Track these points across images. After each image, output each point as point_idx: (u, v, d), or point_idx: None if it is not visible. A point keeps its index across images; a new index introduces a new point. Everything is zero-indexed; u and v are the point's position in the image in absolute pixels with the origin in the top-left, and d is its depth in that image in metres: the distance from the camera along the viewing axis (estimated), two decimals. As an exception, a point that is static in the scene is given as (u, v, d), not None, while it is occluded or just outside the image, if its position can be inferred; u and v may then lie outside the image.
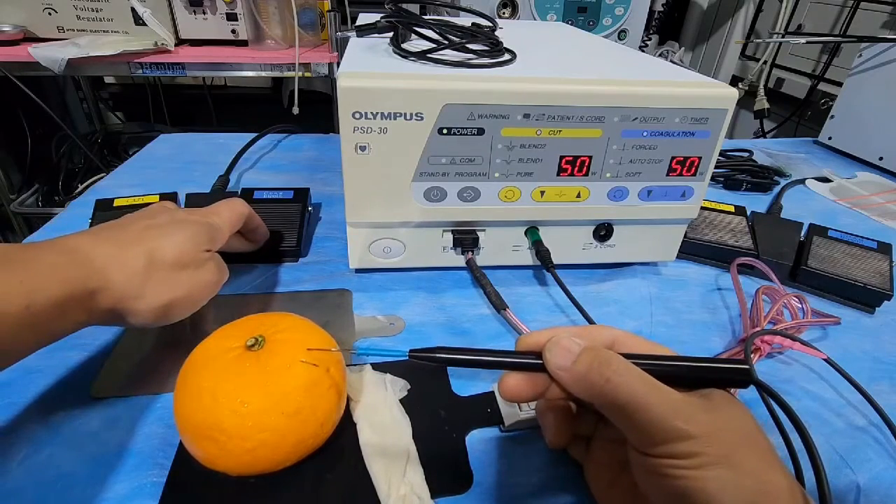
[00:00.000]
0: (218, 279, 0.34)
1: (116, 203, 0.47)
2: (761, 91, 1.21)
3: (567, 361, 0.23)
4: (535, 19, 1.09)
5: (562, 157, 0.37)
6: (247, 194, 0.48)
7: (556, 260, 0.41)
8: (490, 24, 0.46)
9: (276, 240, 0.45)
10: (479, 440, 0.31)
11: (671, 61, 1.34)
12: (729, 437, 0.20)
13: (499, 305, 0.40)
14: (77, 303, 0.26)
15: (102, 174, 1.12)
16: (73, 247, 0.27)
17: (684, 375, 0.23)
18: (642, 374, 0.22)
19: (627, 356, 0.23)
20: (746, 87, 1.25)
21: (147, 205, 0.47)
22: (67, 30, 1.02)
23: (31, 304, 0.23)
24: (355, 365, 0.34)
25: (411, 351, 0.24)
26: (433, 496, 0.27)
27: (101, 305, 0.27)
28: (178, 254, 0.30)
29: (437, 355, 0.24)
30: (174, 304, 0.30)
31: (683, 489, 0.20)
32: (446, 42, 0.40)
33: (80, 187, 1.25)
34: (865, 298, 0.45)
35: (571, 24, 0.74)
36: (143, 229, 0.31)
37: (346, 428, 0.29)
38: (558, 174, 0.38)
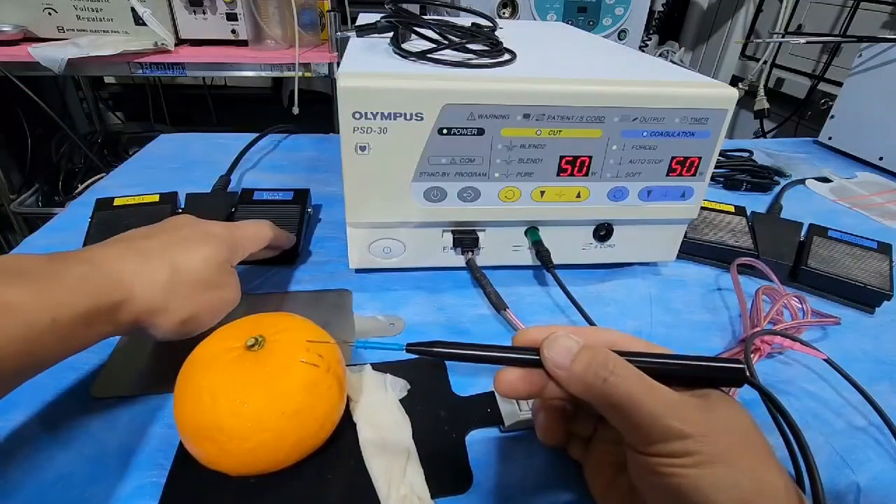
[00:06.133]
0: (236, 296, 0.34)
1: (116, 202, 0.47)
2: (761, 91, 1.21)
3: (565, 360, 0.23)
4: (535, 19, 1.08)
5: (562, 157, 0.37)
6: (247, 195, 0.48)
7: (556, 260, 0.41)
8: (490, 24, 0.46)
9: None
10: (479, 440, 0.31)
11: (671, 61, 1.34)
12: (725, 436, 0.21)
13: (499, 305, 0.40)
14: (102, 315, 0.26)
15: (102, 174, 1.12)
16: (99, 259, 0.27)
17: (680, 374, 0.24)
18: (639, 374, 0.22)
19: (623, 353, 0.23)
20: (746, 87, 1.24)
21: (148, 204, 0.47)
22: (67, 30, 1.02)
23: (58, 316, 0.24)
24: (355, 365, 0.34)
25: (408, 344, 0.24)
26: (433, 496, 0.27)
27: (125, 318, 0.27)
28: (201, 269, 0.31)
29: (434, 349, 0.24)
30: (195, 319, 0.31)
31: (678, 487, 0.20)
32: (446, 42, 0.40)
33: (80, 187, 1.25)
34: (865, 298, 0.45)
35: (571, 24, 0.74)
36: (168, 242, 0.31)
37: (346, 428, 0.29)
38: (558, 174, 0.38)
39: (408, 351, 0.24)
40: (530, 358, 0.25)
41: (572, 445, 0.28)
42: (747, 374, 0.24)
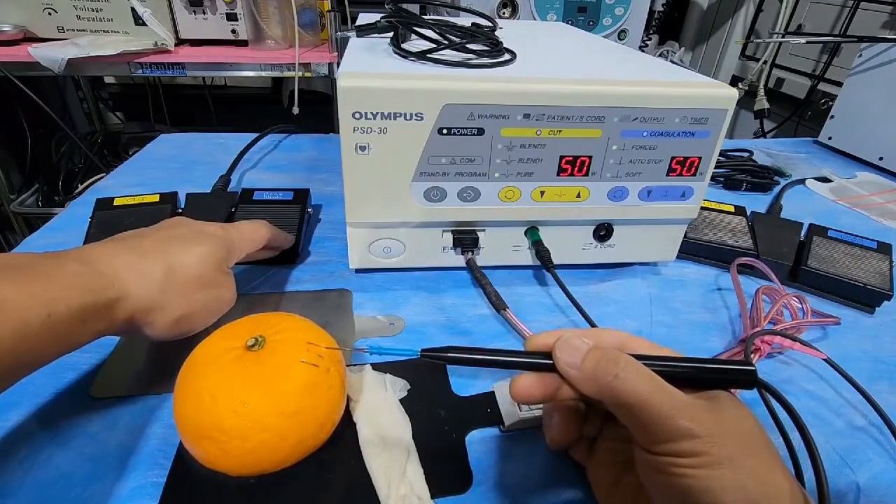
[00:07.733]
0: (232, 296, 0.34)
1: (116, 202, 0.47)
2: (761, 91, 1.21)
3: (576, 359, 0.24)
4: (535, 19, 1.08)
5: (562, 157, 0.37)
6: (247, 195, 0.48)
7: (556, 260, 0.41)
8: (490, 24, 0.46)
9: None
10: (479, 440, 0.31)
11: (671, 61, 1.34)
12: (733, 438, 0.21)
13: (499, 305, 0.40)
14: (96, 312, 0.26)
15: (102, 174, 1.12)
16: (94, 257, 0.27)
17: (689, 376, 0.24)
18: (649, 374, 0.22)
19: (633, 355, 0.24)
20: (746, 87, 1.24)
21: (148, 204, 0.47)
22: (67, 30, 1.02)
23: (52, 312, 0.24)
24: (355, 365, 0.34)
25: (423, 350, 0.24)
26: (433, 496, 0.27)
27: (119, 315, 0.27)
28: (196, 267, 0.31)
29: (449, 355, 0.24)
30: (191, 318, 0.31)
31: (687, 488, 0.20)
32: (446, 42, 0.40)
33: (80, 187, 1.25)
34: (865, 298, 0.45)
35: (571, 24, 0.74)
36: (163, 240, 0.31)
37: (346, 428, 0.29)
38: (558, 174, 0.38)
39: (423, 357, 0.24)
40: (543, 362, 0.25)
41: (575, 446, 0.28)
42: (758, 376, 0.24)
